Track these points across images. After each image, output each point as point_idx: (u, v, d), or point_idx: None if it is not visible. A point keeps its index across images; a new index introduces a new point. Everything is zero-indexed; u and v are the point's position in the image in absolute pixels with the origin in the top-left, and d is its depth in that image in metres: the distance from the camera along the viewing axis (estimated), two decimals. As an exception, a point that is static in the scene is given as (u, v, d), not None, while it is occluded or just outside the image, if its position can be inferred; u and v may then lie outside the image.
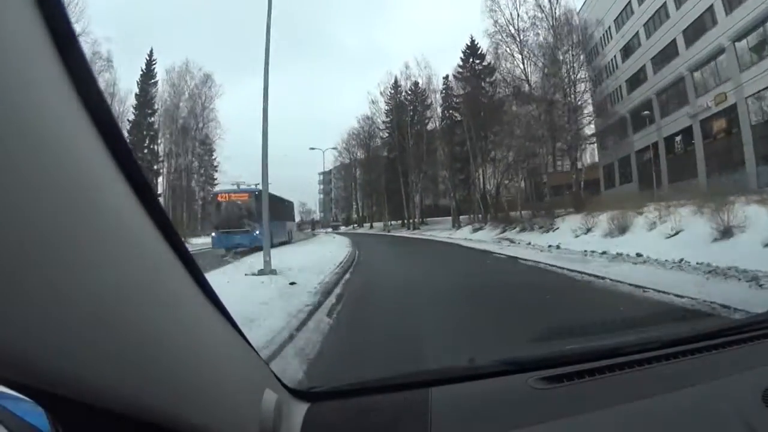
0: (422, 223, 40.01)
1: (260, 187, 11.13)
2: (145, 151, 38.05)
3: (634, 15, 26.14)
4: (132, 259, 0.43)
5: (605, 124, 26.25)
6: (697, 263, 7.76)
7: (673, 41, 23.04)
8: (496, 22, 26.58)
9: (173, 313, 0.50)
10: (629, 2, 26.41)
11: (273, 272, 8.77)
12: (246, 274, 8.66)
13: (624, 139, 26.64)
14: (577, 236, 14.10)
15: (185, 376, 0.50)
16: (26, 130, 0.32)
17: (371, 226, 50.36)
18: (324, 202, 72.45)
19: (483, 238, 20.57)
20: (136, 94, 36.98)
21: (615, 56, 27.99)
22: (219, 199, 19.29)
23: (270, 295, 6.31)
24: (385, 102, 41.35)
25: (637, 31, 25.93)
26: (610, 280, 7.13)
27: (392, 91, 40.79)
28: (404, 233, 35.37)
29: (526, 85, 26.15)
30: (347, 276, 9.40)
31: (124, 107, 36.28)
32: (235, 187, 19.41)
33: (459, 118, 35.49)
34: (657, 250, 9.36)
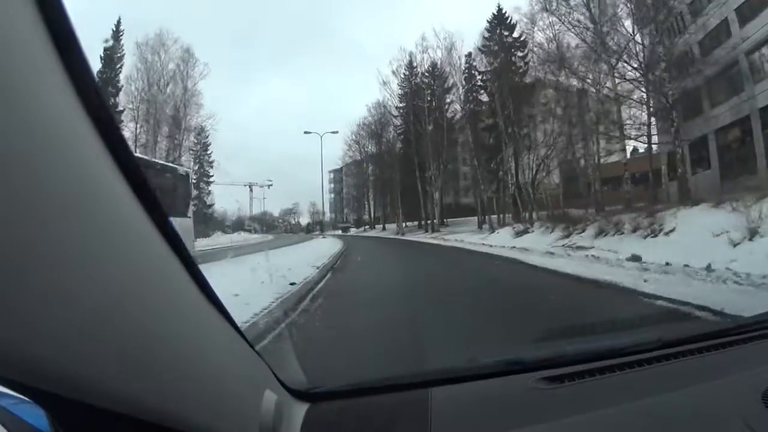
0: (442, 224, 34.54)
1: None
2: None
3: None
4: (132, 260, 0.43)
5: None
6: None
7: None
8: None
9: (174, 314, 0.50)
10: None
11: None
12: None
13: (697, 117, 20.70)
14: (736, 244, 7.53)
15: (185, 377, 0.50)
16: (25, 130, 0.32)
17: (384, 228, 44.98)
18: (335, 203, 67.66)
19: (539, 246, 13.51)
20: (98, 71, 31.49)
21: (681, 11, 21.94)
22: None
23: None
24: (399, 84, 36.11)
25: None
26: None
27: (407, 72, 35.57)
28: (421, 237, 29.82)
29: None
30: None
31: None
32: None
33: (486, 99, 30.20)
34: None
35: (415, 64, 34.77)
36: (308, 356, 2.61)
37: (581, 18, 20.78)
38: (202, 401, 0.54)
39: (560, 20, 21.55)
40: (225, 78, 79.18)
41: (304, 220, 73.73)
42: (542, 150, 25.27)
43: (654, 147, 20.69)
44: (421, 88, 34.40)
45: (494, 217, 28.99)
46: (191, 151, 41.13)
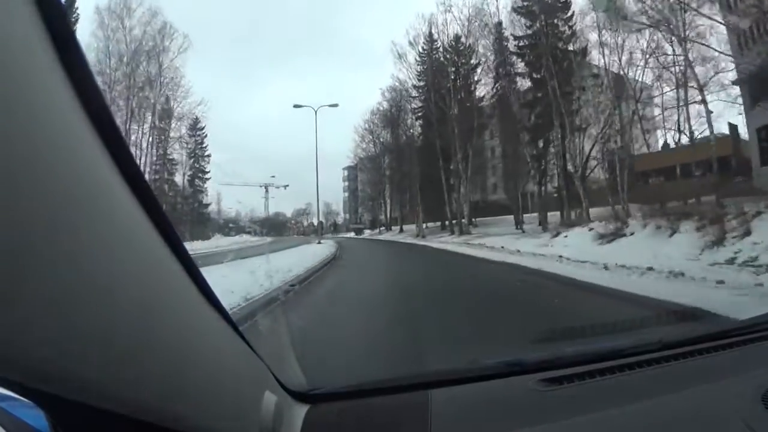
0: (470, 223, 28.62)
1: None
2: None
3: None
4: (131, 261, 0.43)
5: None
6: None
7: None
8: None
9: (174, 315, 0.50)
10: None
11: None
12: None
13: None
14: None
15: (185, 378, 0.51)
16: (25, 130, 0.32)
17: (401, 230, 39.23)
18: (349, 202, 62.46)
19: (687, 265, 7.08)
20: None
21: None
22: None
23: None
24: (417, 59, 30.49)
25: None
26: None
27: (426, 47, 29.96)
28: (447, 241, 23.37)
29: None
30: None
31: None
32: None
33: (524, 71, 24.37)
34: None
35: (435, 37, 29.13)
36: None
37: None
38: (202, 403, 0.54)
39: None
40: (237, 77, 75.45)
41: (318, 220, 69.30)
42: (593, 131, 19.76)
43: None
44: (444, 64, 28.70)
45: (529, 215, 23.66)
46: (184, 144, 36.58)
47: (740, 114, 16.72)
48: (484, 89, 27.73)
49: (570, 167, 21.22)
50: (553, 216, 23.46)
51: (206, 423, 0.54)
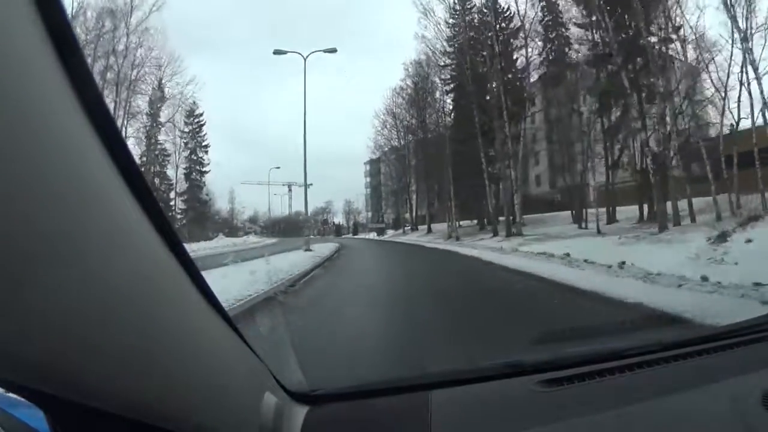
0: (515, 222, 22.10)
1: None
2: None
3: None
4: (132, 262, 0.43)
5: None
6: None
7: None
8: None
9: (174, 316, 0.50)
10: None
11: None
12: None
13: None
14: None
15: (185, 379, 0.51)
16: (25, 130, 0.32)
17: (429, 230, 32.83)
18: (371, 199, 56.87)
19: None
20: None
21: None
22: None
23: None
24: (447, 20, 24.56)
25: None
26: None
27: (458, 5, 23.98)
28: (493, 246, 16.11)
29: None
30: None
31: None
32: None
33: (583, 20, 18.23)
34: None
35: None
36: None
37: None
38: (202, 404, 0.54)
39: None
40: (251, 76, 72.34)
41: (339, 220, 64.80)
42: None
43: None
44: (479, 29, 22.72)
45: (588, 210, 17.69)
46: (180, 134, 31.99)
47: None
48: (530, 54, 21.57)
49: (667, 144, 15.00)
50: (624, 211, 17.79)
51: (206, 424, 0.54)
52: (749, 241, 7.26)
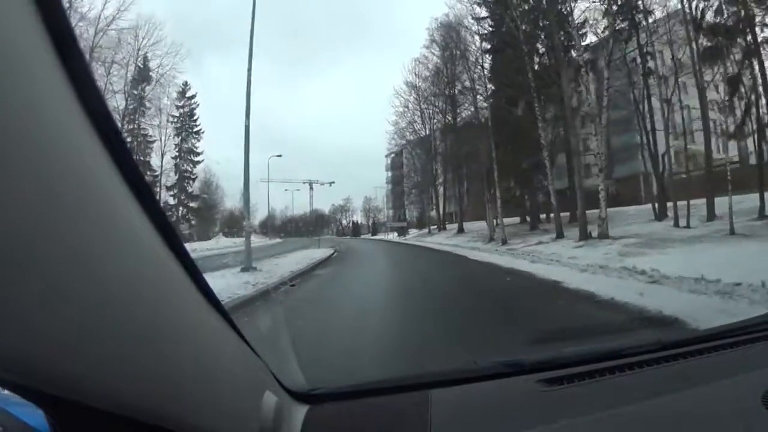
0: (575, 220, 16.04)
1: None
2: None
3: None
4: (132, 261, 0.43)
5: None
6: None
7: None
8: None
9: (174, 316, 0.50)
10: None
11: None
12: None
13: None
14: None
15: (185, 379, 0.51)
16: (25, 130, 0.32)
17: (460, 230, 26.81)
18: (392, 195, 51.52)
19: None
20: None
21: None
22: None
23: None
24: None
25: None
26: None
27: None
28: (601, 264, 8.40)
29: None
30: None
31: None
32: None
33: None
34: None
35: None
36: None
37: None
38: (202, 403, 0.54)
39: None
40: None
41: (357, 218, 60.36)
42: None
43: None
44: None
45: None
46: (170, 119, 27.66)
47: None
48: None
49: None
50: (698, 206, 13.17)
51: (206, 423, 0.54)
52: None
